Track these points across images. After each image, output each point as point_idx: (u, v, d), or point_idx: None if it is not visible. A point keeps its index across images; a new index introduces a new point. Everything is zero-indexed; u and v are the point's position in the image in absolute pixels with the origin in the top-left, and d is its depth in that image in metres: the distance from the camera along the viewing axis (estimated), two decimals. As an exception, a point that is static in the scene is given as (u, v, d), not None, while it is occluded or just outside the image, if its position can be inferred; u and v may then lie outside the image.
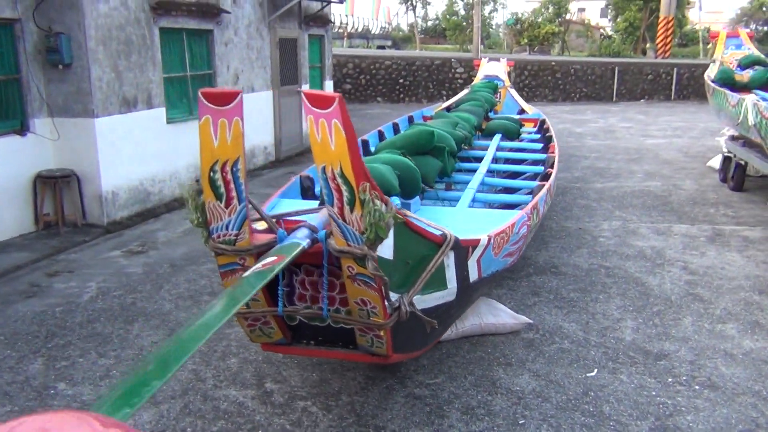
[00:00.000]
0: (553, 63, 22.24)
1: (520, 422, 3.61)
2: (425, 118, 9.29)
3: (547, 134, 8.24)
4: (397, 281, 2.97)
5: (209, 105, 2.41)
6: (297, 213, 3.28)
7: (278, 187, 5.48)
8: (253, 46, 9.99)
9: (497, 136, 8.00)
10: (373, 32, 46.48)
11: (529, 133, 8.94)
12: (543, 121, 9.22)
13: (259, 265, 2.32)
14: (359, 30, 43.94)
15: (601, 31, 40.99)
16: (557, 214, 7.69)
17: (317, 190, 5.43)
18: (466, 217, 4.60)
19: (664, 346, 4.50)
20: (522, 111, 10.78)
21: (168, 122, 8.03)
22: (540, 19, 37.36)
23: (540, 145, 7.95)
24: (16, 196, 6.54)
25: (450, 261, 3.33)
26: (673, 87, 22.25)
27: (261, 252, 2.73)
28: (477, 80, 12.15)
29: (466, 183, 5.89)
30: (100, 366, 4.20)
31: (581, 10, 52.31)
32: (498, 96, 10.91)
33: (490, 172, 6.44)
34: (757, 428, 3.57)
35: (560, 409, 3.73)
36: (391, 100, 20.86)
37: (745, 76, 10.08)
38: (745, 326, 4.81)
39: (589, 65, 22.30)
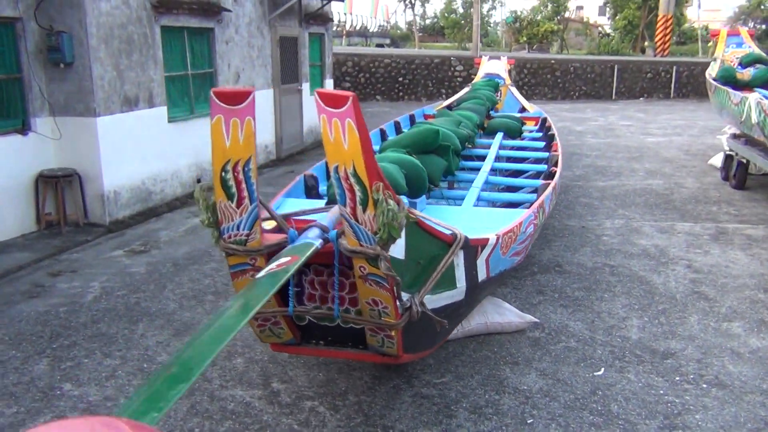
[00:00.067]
0: (552, 61, 22.23)
1: (529, 421, 3.61)
2: (427, 117, 9.27)
3: (549, 132, 8.23)
4: (407, 281, 2.95)
5: (221, 104, 2.39)
6: (306, 212, 3.27)
7: (279, 185, 5.47)
8: (254, 45, 9.96)
9: (499, 135, 7.99)
10: (371, 30, 46.39)
11: (531, 131, 8.92)
12: (545, 120, 9.21)
13: (273, 265, 2.30)
14: (357, 28, 43.87)
15: (600, 29, 40.99)
16: (560, 212, 7.69)
17: (322, 189, 5.41)
18: (472, 216, 4.59)
19: (670, 345, 4.49)
20: (523, 109, 10.76)
21: (169, 121, 8.01)
22: (539, 17, 37.32)
23: (542, 144, 7.93)
24: (18, 195, 6.52)
25: (459, 260, 3.32)
26: (673, 85, 22.26)
27: (272, 252, 2.71)
28: (478, 78, 12.13)
29: (469, 182, 5.88)
30: (106, 366, 4.19)
31: (579, 8, 52.32)
32: (499, 94, 10.89)
33: (493, 171, 6.43)
34: (766, 426, 3.56)
35: (568, 408, 3.72)
36: (390, 98, 20.83)
37: (747, 74, 10.07)
38: (751, 324, 4.81)
39: (589, 63, 22.30)
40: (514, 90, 11.82)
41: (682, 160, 11.08)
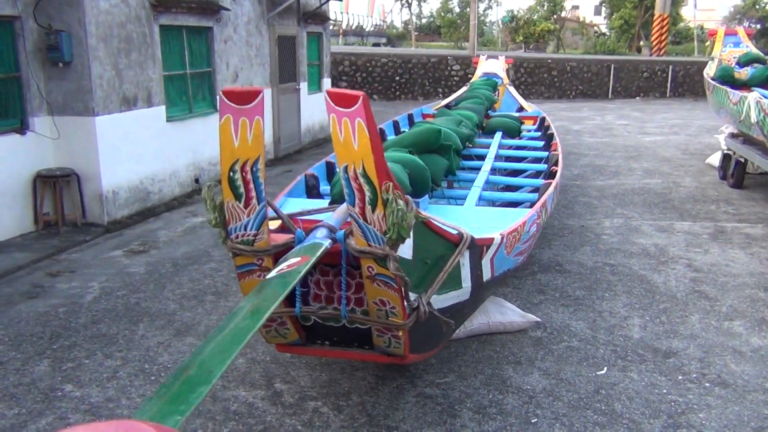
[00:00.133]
0: (549, 60, 22.26)
1: (533, 421, 3.60)
2: (425, 116, 9.27)
3: (549, 132, 8.24)
4: (414, 281, 2.94)
5: (230, 104, 2.37)
6: (311, 212, 3.25)
7: (277, 185, 5.45)
8: (253, 44, 9.93)
9: (498, 134, 7.99)
10: (367, 30, 46.37)
11: (529, 131, 8.93)
12: (543, 119, 9.22)
13: (283, 266, 2.29)
14: (354, 27, 43.84)
15: (596, 28, 41.07)
16: (559, 211, 7.69)
17: (322, 188, 5.40)
18: (475, 216, 4.58)
19: (672, 344, 4.50)
20: (521, 108, 10.77)
21: (168, 120, 7.97)
22: (536, 17, 37.36)
23: (541, 143, 7.94)
24: (16, 195, 6.48)
25: (465, 260, 3.31)
26: (669, 84, 22.33)
27: (279, 252, 2.70)
28: (476, 78, 12.14)
29: (468, 181, 5.88)
30: (107, 367, 4.16)
31: (575, 7, 52.38)
32: (497, 94, 10.90)
33: (493, 170, 6.44)
34: (770, 426, 3.57)
35: (572, 408, 3.72)
36: (387, 97, 20.81)
37: (744, 73, 10.11)
38: (753, 323, 4.82)
39: (585, 63, 22.34)
40: (512, 89, 11.83)
41: (680, 159, 11.11)
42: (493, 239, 3.64)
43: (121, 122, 7.10)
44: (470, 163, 6.63)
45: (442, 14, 45.57)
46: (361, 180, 2.40)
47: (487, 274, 3.68)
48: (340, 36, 37.75)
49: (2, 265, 5.80)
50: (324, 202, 4.45)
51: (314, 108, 12.32)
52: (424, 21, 54.48)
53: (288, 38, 11.15)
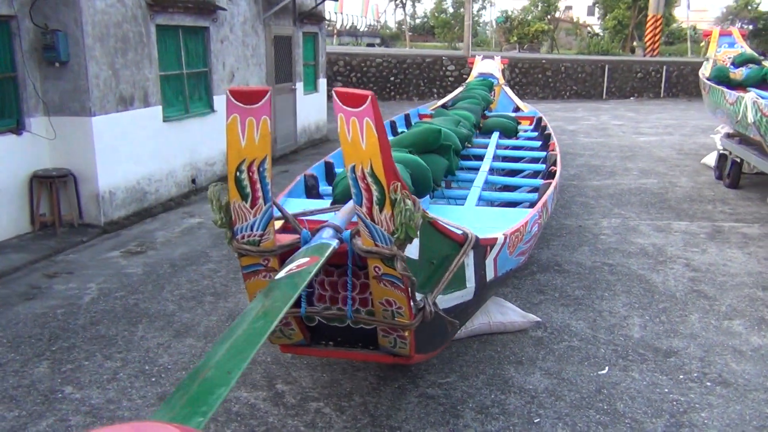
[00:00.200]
0: (543, 61, 22.31)
1: (536, 421, 3.60)
2: (422, 116, 9.27)
3: (546, 132, 8.26)
4: (420, 281, 2.94)
5: (237, 104, 2.36)
6: (315, 212, 3.24)
7: (276, 185, 5.38)
8: (249, 44, 9.90)
9: (495, 134, 8.01)
10: (361, 30, 46.31)
11: (526, 130, 8.95)
12: (539, 119, 9.24)
13: (292, 266, 2.27)
14: (348, 27, 43.78)
15: (589, 29, 41.19)
16: (557, 211, 7.70)
17: (322, 189, 5.39)
18: (476, 216, 4.58)
19: (672, 343, 4.51)
20: (517, 108, 10.80)
21: (164, 121, 7.94)
22: (530, 17, 37.43)
23: (538, 143, 7.96)
24: (12, 196, 6.43)
25: (470, 260, 3.31)
26: (663, 85, 22.42)
27: (285, 253, 2.68)
28: (471, 78, 12.15)
29: (467, 181, 5.89)
30: (107, 369, 4.14)
31: (568, 8, 52.51)
32: (493, 94, 10.92)
33: (491, 170, 6.44)
34: (772, 425, 3.58)
35: (574, 408, 3.73)
36: (382, 98, 20.78)
37: (739, 73, 10.16)
38: (752, 322, 4.84)
39: (579, 63, 22.40)
40: (507, 89, 11.85)
41: (675, 159, 11.15)
42: (496, 239, 3.64)
43: (117, 122, 7.06)
44: (468, 163, 6.63)
45: (436, 15, 45.58)
46: (369, 180, 2.39)
47: (490, 274, 3.68)
48: (335, 36, 37.70)
49: (-1, 266, 5.76)
50: (324, 203, 4.44)
51: (310, 108, 12.30)
52: (417, 21, 54.48)
53: (284, 38, 11.13)
